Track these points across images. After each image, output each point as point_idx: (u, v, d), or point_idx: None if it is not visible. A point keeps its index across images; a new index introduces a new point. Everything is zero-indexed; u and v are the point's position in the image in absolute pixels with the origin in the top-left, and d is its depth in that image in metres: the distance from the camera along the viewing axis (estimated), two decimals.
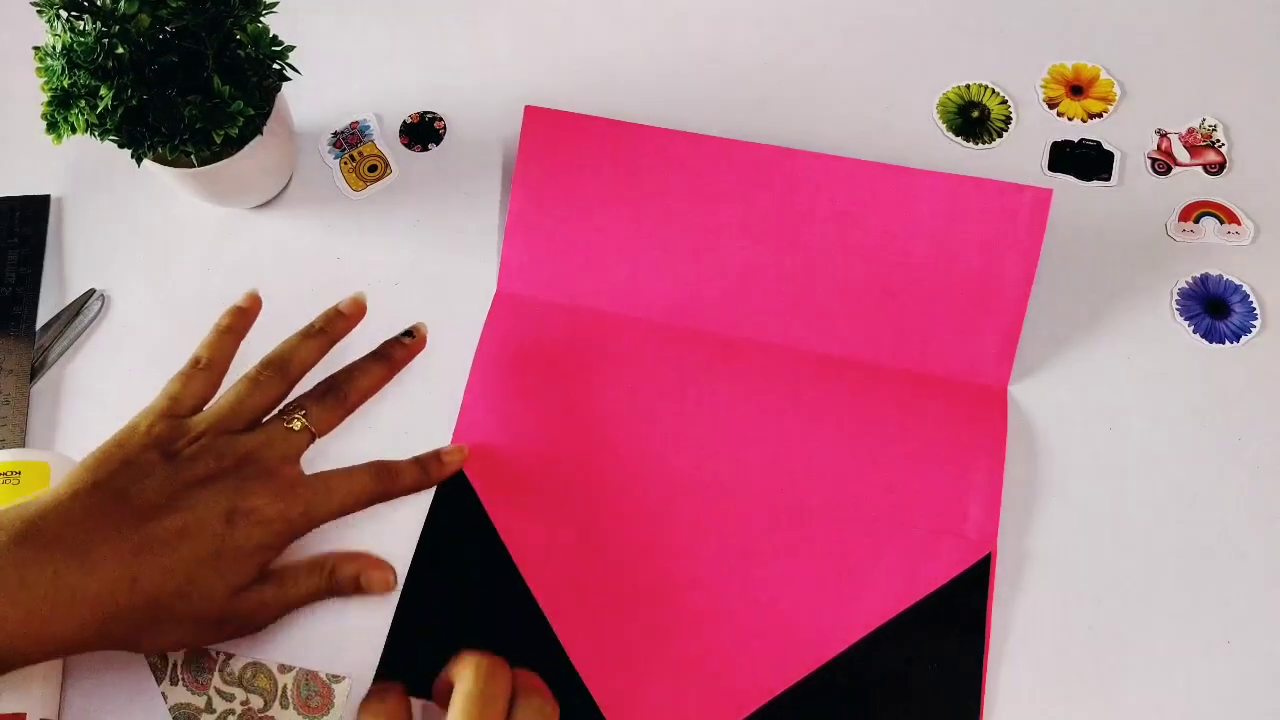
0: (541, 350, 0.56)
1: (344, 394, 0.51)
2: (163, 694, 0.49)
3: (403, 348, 0.53)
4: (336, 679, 0.49)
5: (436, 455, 0.52)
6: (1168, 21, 0.63)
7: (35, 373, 0.56)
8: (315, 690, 0.48)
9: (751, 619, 0.49)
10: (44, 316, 0.58)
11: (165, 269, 0.60)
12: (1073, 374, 0.54)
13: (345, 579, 0.49)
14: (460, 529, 0.52)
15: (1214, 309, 0.55)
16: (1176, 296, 0.56)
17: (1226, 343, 0.55)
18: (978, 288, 0.54)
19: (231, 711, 0.48)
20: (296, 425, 0.49)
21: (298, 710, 0.48)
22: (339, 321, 0.53)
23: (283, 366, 0.50)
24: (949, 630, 0.49)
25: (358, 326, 0.54)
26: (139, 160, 0.52)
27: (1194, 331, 0.55)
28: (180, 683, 0.49)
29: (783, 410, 0.54)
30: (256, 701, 0.48)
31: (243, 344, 0.56)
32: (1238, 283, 0.56)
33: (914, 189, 0.54)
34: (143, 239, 0.60)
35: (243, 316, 0.52)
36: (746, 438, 0.53)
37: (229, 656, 0.49)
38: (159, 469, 0.45)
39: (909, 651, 0.48)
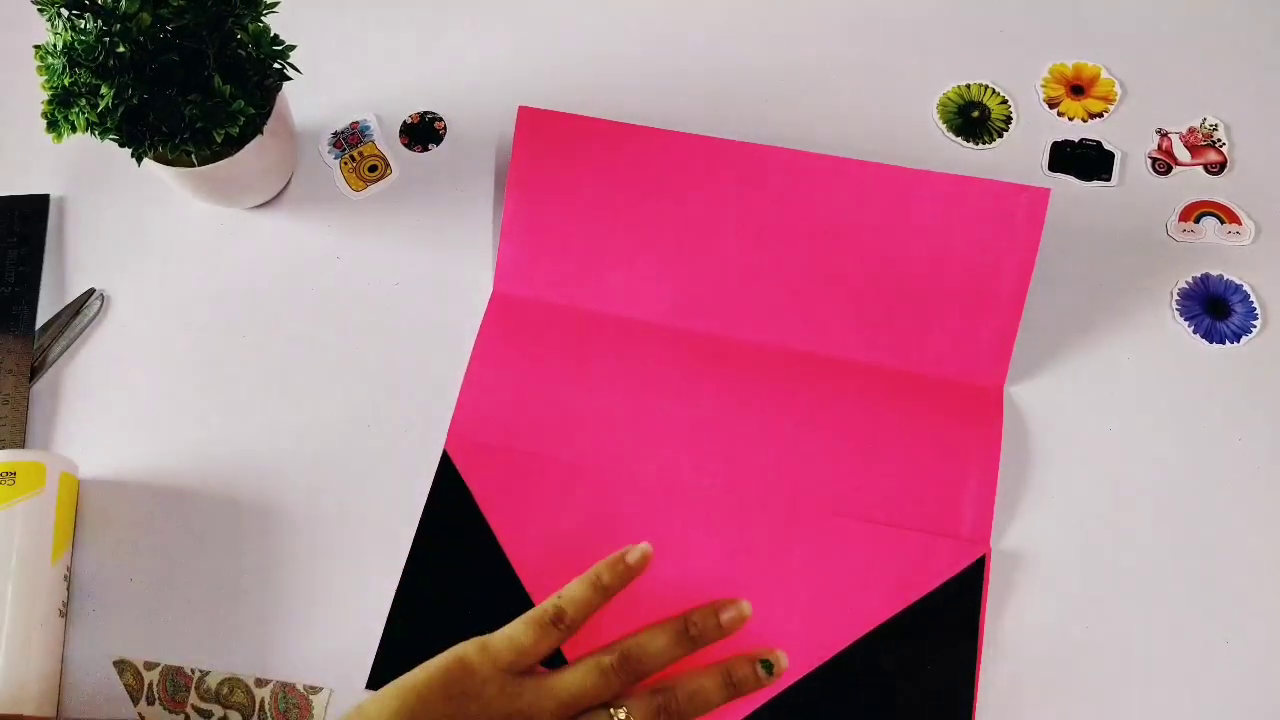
0: (537, 350, 0.56)
1: (678, 712, 0.45)
2: (139, 715, 0.48)
3: (757, 681, 0.47)
4: (314, 690, 0.48)
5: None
6: (1168, 21, 0.63)
7: (35, 373, 0.56)
8: (294, 703, 0.48)
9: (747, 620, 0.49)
10: (44, 316, 0.58)
11: (165, 269, 0.60)
12: (1072, 374, 0.54)
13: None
14: (456, 531, 0.52)
15: (1214, 309, 0.55)
16: (1177, 296, 0.56)
17: (1227, 343, 0.54)
18: (974, 288, 0.53)
19: None
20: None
21: None
22: (713, 628, 0.47)
23: (638, 665, 0.45)
24: (943, 632, 0.49)
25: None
26: (139, 159, 0.52)
27: (1194, 332, 0.55)
28: (157, 702, 0.48)
29: (779, 411, 0.54)
30: (235, 716, 0.48)
31: (239, 342, 0.56)
32: (1238, 282, 0.56)
33: (911, 189, 0.54)
34: (143, 239, 0.60)
35: (627, 575, 0.47)
36: (742, 437, 0.53)
37: (205, 673, 0.49)
38: None
39: (903, 653, 0.48)
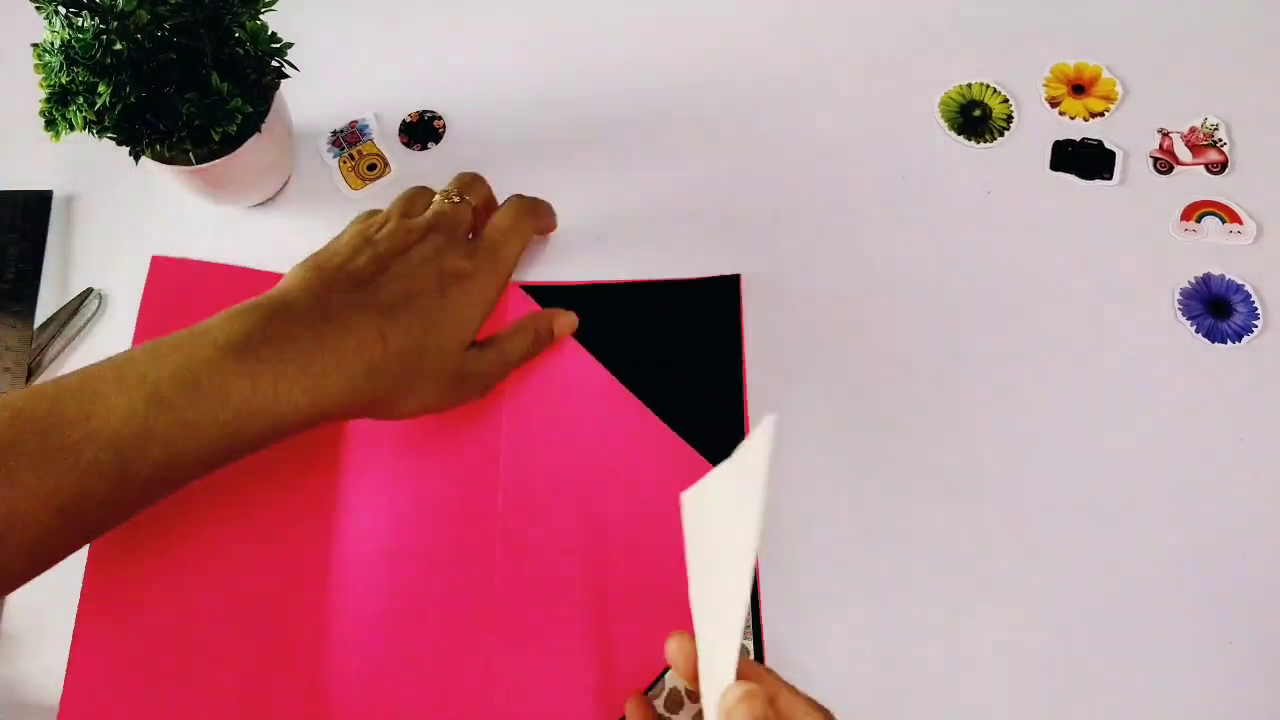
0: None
1: (476, 175, 0.56)
2: None
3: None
4: None
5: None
6: (1170, 20, 0.63)
7: (32, 372, 0.56)
8: None
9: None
10: (43, 313, 0.58)
11: None
12: (1073, 374, 0.54)
13: (545, 332, 0.54)
14: None
15: (1216, 309, 0.55)
16: (1178, 296, 0.56)
17: (1229, 343, 0.54)
18: None
19: None
20: (456, 199, 0.53)
21: None
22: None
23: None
24: None
25: None
26: (137, 157, 0.52)
27: (1196, 331, 0.55)
28: None
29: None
30: None
31: None
32: (1240, 282, 0.55)
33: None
34: (141, 237, 0.60)
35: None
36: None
37: None
38: (364, 250, 0.49)
39: None
